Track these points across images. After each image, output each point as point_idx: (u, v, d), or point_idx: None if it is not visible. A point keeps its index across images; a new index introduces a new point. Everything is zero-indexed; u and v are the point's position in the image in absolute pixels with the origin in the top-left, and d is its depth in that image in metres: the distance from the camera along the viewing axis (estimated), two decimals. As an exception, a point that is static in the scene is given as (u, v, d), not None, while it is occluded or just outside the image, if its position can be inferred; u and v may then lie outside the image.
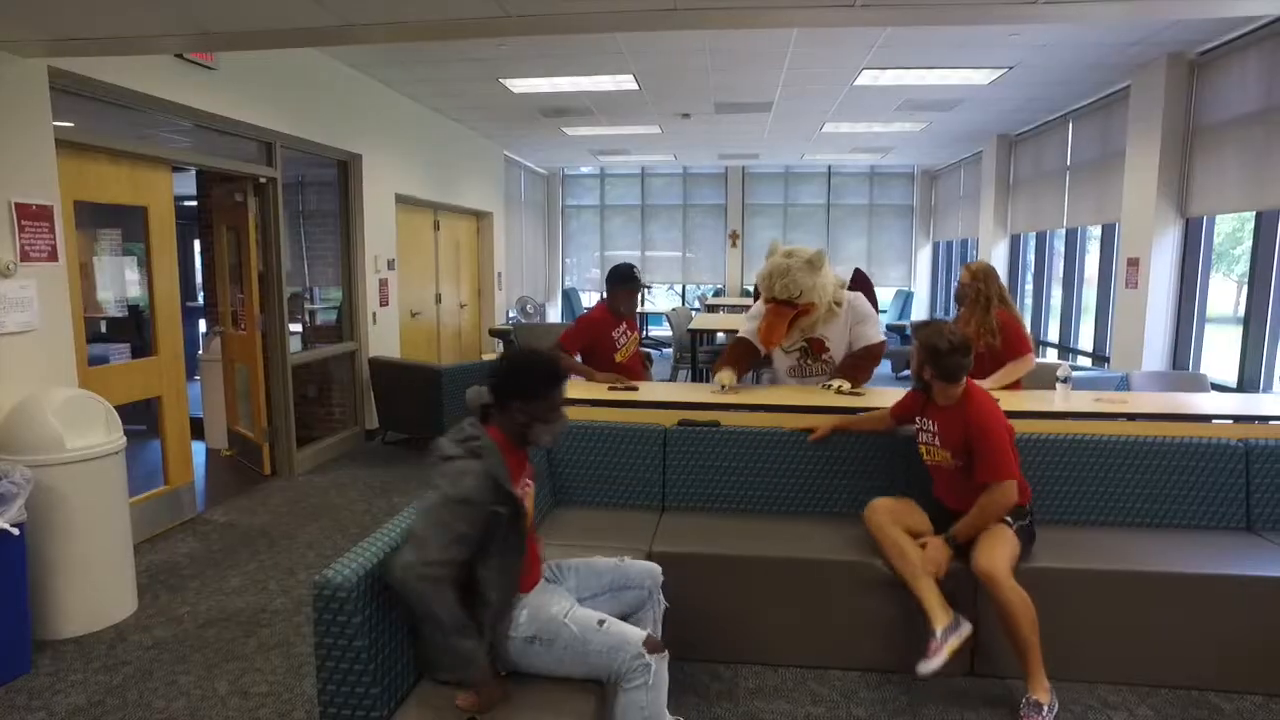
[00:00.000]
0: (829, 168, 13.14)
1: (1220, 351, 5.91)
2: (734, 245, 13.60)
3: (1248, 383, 5.22)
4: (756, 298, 4.15)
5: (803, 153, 11.35)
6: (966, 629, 2.69)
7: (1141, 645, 2.83)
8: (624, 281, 4.30)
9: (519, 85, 6.61)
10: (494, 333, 9.35)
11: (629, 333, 4.38)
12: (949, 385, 2.86)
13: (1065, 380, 3.67)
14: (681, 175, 13.52)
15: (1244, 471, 3.23)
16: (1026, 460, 3.27)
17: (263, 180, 5.14)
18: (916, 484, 3.31)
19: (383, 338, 6.67)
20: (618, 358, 4.28)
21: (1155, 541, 3.06)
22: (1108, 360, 6.69)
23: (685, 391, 4.05)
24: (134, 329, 6.11)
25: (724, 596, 2.98)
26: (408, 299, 7.35)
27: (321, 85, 5.72)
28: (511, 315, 10.79)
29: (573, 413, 3.69)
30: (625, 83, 6.52)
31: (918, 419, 3.06)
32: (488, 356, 7.19)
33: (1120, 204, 6.43)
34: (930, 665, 2.60)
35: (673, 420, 3.57)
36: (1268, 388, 5.11)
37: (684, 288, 14.33)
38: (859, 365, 3.83)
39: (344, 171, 6.21)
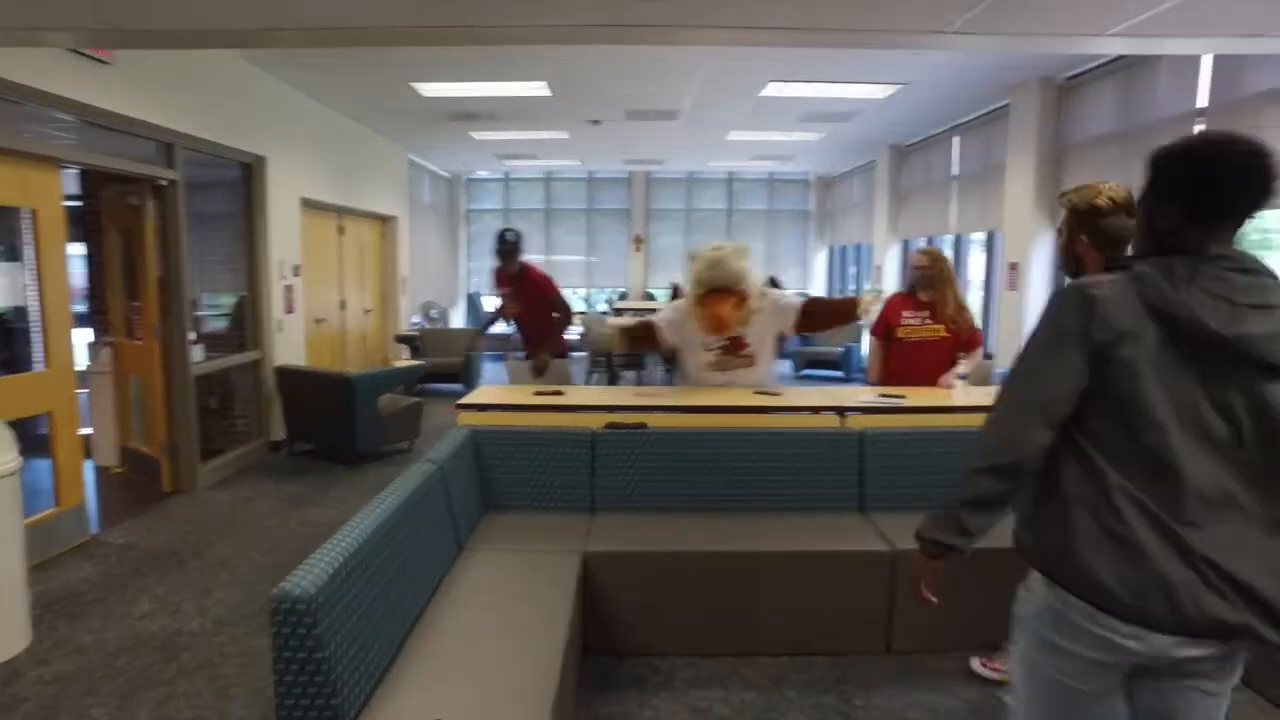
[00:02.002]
0: (729, 174, 13.50)
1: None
2: (638, 250, 13.78)
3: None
4: (674, 298, 4.34)
5: (707, 159, 11.64)
6: None
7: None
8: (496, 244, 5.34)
9: (429, 89, 6.54)
10: (400, 339, 9.17)
11: (509, 297, 5.33)
12: (1106, 260, 2.30)
13: (964, 377, 3.96)
14: (586, 180, 13.60)
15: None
16: (931, 453, 3.53)
17: (162, 182, 4.90)
18: (836, 480, 3.52)
19: (288, 345, 6.45)
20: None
21: None
22: (992, 357, 7.19)
23: (611, 395, 4.13)
24: (2, 342, 5.69)
25: (657, 592, 3.08)
26: (312, 305, 7.12)
27: (225, 85, 5.50)
28: (415, 321, 10.60)
29: (499, 418, 3.74)
30: (539, 89, 6.55)
31: None
32: (398, 363, 7.05)
33: (1002, 212, 6.94)
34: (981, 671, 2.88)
35: (600, 423, 3.65)
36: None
37: (588, 292, 14.41)
38: (829, 309, 4.27)
39: (248, 174, 5.98)
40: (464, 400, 3.86)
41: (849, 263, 13.02)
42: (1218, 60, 4.81)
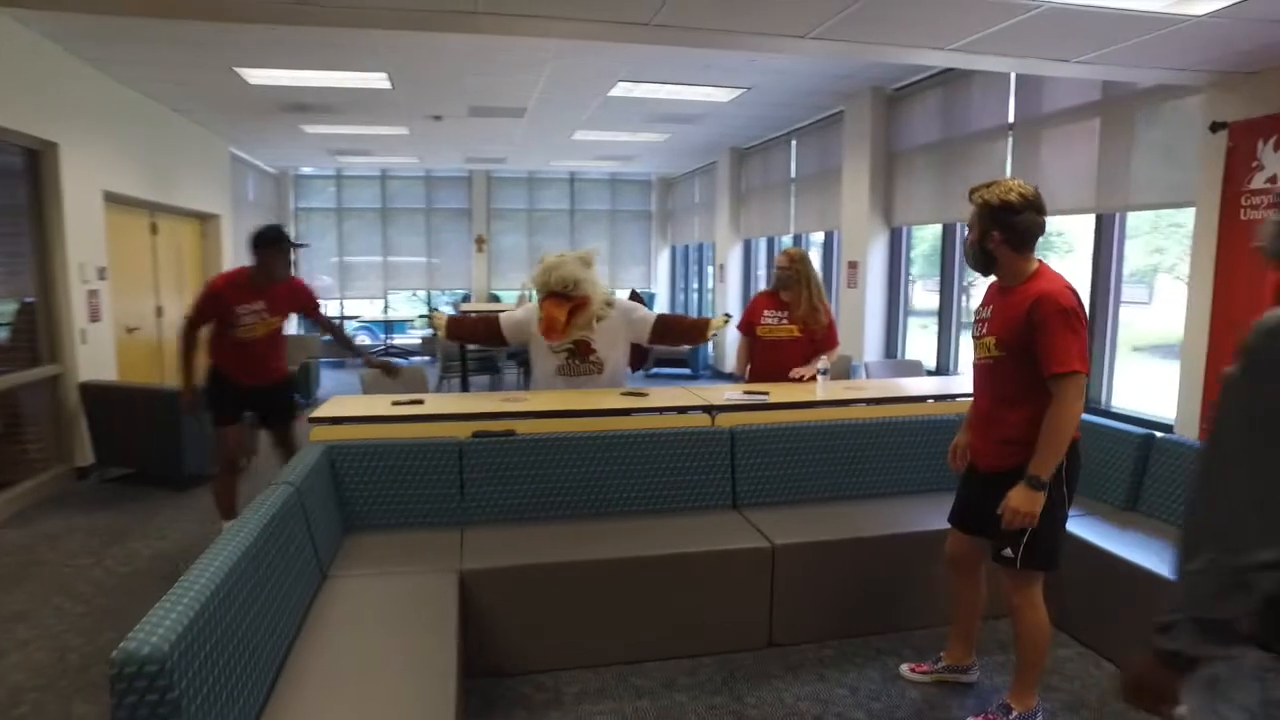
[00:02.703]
0: (571, 174, 13.45)
1: (923, 340, 6.99)
2: (480, 250, 13.43)
3: (942, 365, 6.22)
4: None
5: (549, 159, 11.51)
6: None
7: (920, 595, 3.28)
8: (267, 243, 3.91)
9: (258, 76, 5.98)
10: (227, 348, 8.37)
11: (264, 313, 3.97)
12: (1019, 256, 2.42)
13: (824, 372, 4.12)
14: (424, 178, 13.07)
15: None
16: (798, 448, 3.64)
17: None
18: (710, 479, 3.54)
19: (95, 358, 5.70)
20: (241, 334, 3.93)
21: (889, 508, 3.54)
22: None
23: (475, 402, 3.96)
24: None
25: (538, 606, 2.97)
26: (123, 313, 6.35)
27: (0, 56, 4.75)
28: (242, 328, 9.75)
29: (356, 431, 3.47)
30: (378, 81, 6.18)
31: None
32: None
33: (840, 214, 7.33)
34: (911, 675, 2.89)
35: (467, 432, 3.48)
36: (956, 369, 6.14)
37: (429, 294, 13.88)
38: (680, 328, 4.33)
39: (35, 162, 5.20)
40: (317, 413, 3.55)
41: (691, 262, 13.35)
42: (1019, 83, 5.30)
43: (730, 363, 10.76)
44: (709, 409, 3.81)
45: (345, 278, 13.01)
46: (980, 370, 2.61)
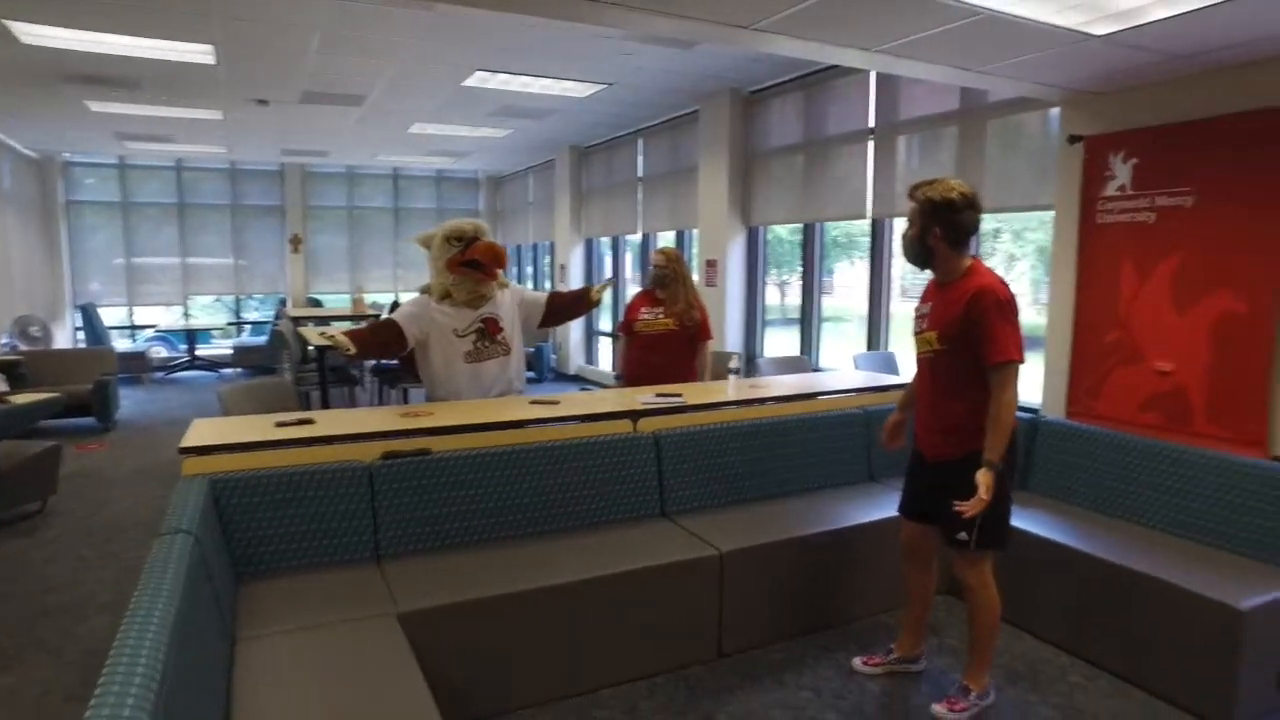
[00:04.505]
0: (395, 170, 12.68)
1: (778, 338, 7.23)
2: (296, 251, 12.34)
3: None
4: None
5: (376, 153, 10.76)
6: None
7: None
8: None
9: (36, 34, 4.86)
10: (-6, 366, 7.00)
11: None
12: (955, 253, 2.54)
13: (736, 371, 4.09)
14: (229, 171, 11.75)
15: (865, 434, 3.97)
16: (719, 449, 3.57)
17: None
18: (637, 487, 3.39)
19: None
20: None
21: (813, 504, 3.57)
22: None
23: (372, 418, 3.53)
24: None
25: (481, 645, 2.67)
26: None
27: None
28: (5, 341, 8.26)
29: (239, 460, 2.96)
30: (201, 54, 5.36)
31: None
32: (17, 398, 5.25)
33: (694, 212, 7.40)
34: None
35: (370, 454, 3.08)
36: (817, 365, 6.40)
37: (238, 299, 12.53)
38: (569, 301, 4.06)
39: None
40: (186, 442, 2.98)
41: (525, 262, 13.06)
42: (880, 89, 5.60)
43: (574, 365, 10.62)
44: (630, 414, 3.65)
45: (134, 281, 11.40)
46: (923, 364, 2.75)
